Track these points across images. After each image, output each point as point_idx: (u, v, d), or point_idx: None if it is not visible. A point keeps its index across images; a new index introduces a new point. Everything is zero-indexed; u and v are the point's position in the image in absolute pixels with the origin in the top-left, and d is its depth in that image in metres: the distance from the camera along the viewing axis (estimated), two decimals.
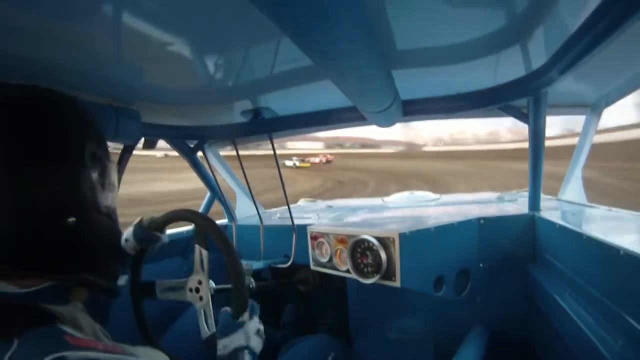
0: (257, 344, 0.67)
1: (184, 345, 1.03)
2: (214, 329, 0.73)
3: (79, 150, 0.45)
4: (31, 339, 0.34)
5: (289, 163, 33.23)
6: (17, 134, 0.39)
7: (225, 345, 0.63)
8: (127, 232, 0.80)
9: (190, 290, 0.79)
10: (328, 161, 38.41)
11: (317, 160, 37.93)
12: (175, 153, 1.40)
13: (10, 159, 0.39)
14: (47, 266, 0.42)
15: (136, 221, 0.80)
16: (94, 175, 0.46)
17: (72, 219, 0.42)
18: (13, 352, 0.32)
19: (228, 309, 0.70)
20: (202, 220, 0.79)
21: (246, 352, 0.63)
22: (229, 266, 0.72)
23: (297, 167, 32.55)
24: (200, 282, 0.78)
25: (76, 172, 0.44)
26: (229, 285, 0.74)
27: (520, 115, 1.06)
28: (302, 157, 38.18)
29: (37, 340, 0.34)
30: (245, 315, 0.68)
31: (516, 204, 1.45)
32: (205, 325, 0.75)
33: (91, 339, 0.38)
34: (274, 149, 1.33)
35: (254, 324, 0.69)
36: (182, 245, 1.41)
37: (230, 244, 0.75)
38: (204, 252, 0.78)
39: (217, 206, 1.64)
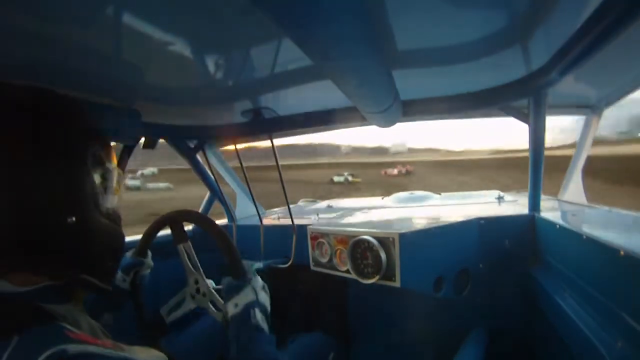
0: (265, 299, 0.67)
1: (185, 345, 1.03)
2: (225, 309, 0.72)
3: (82, 151, 0.45)
4: (31, 335, 0.34)
5: (338, 179, 29.12)
6: (20, 134, 0.40)
7: (236, 304, 0.62)
8: None
9: (192, 296, 0.79)
10: (408, 172, 32.67)
11: (394, 171, 32.04)
12: None
13: (13, 159, 0.39)
14: (47, 264, 0.42)
15: None
16: (96, 177, 0.47)
17: (72, 219, 0.43)
18: (13, 348, 0.32)
19: (229, 278, 0.69)
20: (173, 218, 0.78)
21: (256, 307, 0.62)
22: (215, 239, 0.71)
23: (350, 183, 28.45)
24: (196, 282, 0.78)
25: (78, 173, 0.44)
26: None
27: (521, 116, 1.06)
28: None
29: (37, 335, 0.34)
30: (247, 274, 0.68)
31: (516, 204, 1.45)
32: (215, 311, 0.75)
33: (90, 336, 0.39)
34: (274, 149, 1.33)
35: (258, 280, 0.68)
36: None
37: (211, 221, 0.75)
38: (187, 246, 0.78)
39: (217, 207, 1.65)
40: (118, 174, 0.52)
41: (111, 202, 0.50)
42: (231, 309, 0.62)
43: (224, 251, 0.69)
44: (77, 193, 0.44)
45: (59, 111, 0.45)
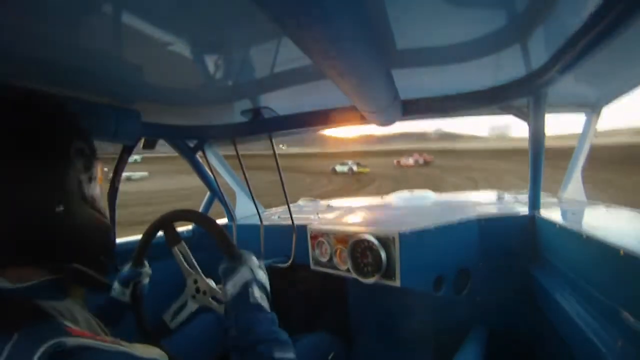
0: (263, 277, 0.66)
1: (185, 345, 1.03)
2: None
3: (65, 146, 0.47)
4: (30, 331, 0.35)
5: (341, 168, 26.33)
6: (6, 133, 0.41)
7: (234, 283, 0.62)
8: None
9: (193, 296, 0.78)
10: (426, 162, 29.58)
11: (410, 161, 28.86)
12: None
13: (3, 158, 0.41)
14: (40, 255, 0.44)
15: None
16: (80, 168, 0.49)
17: (60, 208, 0.44)
18: (14, 343, 0.33)
19: (225, 262, 0.68)
20: (162, 222, 0.78)
21: (254, 284, 0.62)
22: (202, 225, 0.71)
23: (354, 173, 25.34)
24: (195, 281, 0.78)
25: (62, 166, 0.46)
26: None
27: (521, 115, 1.06)
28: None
29: (35, 331, 0.35)
30: (243, 255, 0.67)
31: (516, 204, 1.45)
32: (217, 305, 0.75)
33: (88, 332, 0.40)
34: (273, 149, 1.33)
35: (253, 260, 0.68)
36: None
37: (195, 212, 0.76)
38: (181, 247, 0.78)
39: (217, 206, 1.64)
40: (100, 165, 0.54)
41: (94, 189, 0.52)
42: (230, 289, 0.62)
43: (213, 235, 0.68)
44: (63, 185, 0.46)
45: (44, 110, 0.47)
